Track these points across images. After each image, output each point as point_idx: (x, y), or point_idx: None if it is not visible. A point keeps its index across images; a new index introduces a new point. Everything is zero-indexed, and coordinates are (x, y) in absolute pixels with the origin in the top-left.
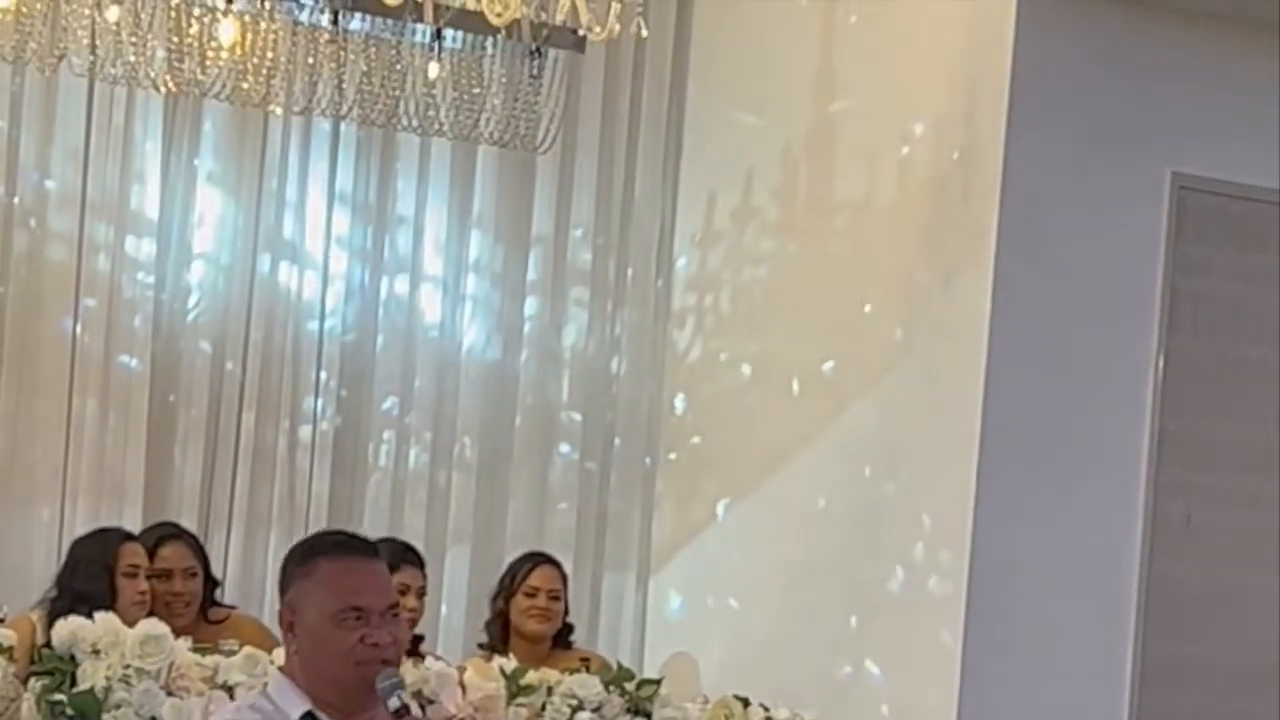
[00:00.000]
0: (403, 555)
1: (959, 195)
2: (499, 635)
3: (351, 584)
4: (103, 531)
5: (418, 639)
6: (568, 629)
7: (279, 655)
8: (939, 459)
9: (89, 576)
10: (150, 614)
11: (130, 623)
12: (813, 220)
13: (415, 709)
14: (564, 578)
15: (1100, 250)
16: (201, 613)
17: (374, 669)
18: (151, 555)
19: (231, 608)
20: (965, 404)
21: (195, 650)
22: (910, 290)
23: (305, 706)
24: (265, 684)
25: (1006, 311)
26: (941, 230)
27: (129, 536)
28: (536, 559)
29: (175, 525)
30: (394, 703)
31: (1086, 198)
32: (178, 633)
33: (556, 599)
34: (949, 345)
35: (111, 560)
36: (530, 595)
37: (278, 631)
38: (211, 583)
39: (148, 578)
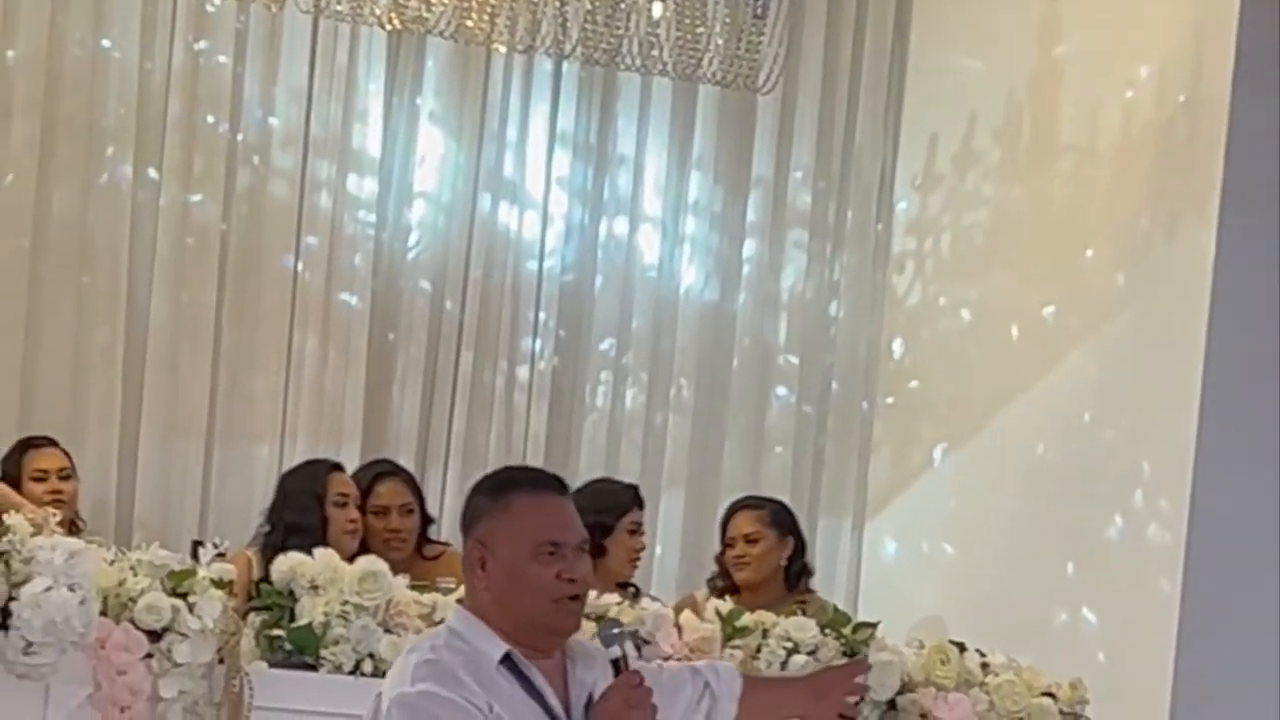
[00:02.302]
0: (635, 497)
1: (1184, 141)
2: (725, 587)
3: (547, 519)
4: (311, 463)
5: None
6: (799, 571)
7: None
8: (1159, 406)
9: (300, 508)
10: (366, 550)
11: (342, 552)
12: (1035, 164)
13: (635, 662)
14: (776, 517)
15: None
16: (417, 549)
17: (567, 605)
18: (368, 492)
19: (446, 544)
20: (1187, 351)
21: (413, 587)
22: (1133, 236)
23: (505, 646)
24: (446, 624)
25: (1230, 258)
26: (1165, 176)
27: (336, 466)
28: (734, 507)
29: (392, 463)
30: (615, 651)
31: None
32: (394, 569)
33: (753, 542)
34: (1171, 292)
35: (321, 490)
36: (730, 545)
37: None
38: (426, 520)
39: (365, 513)
